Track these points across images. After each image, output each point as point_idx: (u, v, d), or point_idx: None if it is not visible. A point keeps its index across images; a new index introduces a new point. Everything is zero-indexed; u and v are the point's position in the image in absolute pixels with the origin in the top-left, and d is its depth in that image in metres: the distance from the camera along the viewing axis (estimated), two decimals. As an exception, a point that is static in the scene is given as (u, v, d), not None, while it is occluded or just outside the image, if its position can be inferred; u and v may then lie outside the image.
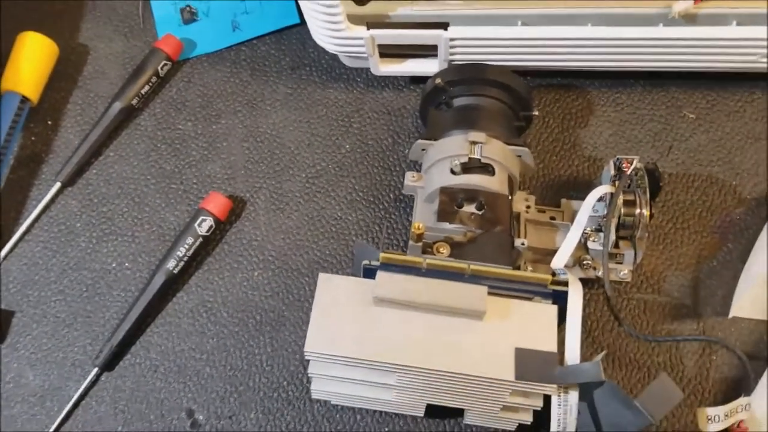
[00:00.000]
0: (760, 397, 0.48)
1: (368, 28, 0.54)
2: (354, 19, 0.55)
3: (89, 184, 0.60)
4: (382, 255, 0.44)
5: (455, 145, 0.50)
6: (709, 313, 0.53)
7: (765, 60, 0.55)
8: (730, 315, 0.51)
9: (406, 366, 0.42)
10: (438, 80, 0.53)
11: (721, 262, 0.54)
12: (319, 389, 0.47)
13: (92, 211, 0.59)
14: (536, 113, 0.55)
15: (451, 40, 0.54)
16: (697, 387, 0.50)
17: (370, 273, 0.45)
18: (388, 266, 0.44)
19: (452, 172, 0.49)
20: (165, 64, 0.62)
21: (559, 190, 0.57)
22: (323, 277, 0.44)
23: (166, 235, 0.57)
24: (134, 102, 0.61)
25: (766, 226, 0.53)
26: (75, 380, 0.53)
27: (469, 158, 0.49)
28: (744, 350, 0.51)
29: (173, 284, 0.55)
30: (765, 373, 0.49)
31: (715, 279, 0.54)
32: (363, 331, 0.42)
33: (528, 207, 0.52)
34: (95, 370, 0.53)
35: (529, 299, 0.45)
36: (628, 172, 0.50)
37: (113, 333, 0.53)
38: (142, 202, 0.59)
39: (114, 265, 0.57)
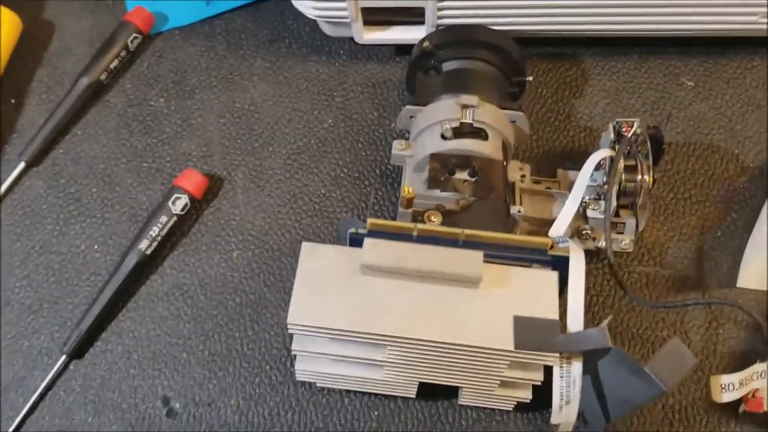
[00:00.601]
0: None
1: (350, -9, 0.52)
2: (336, -18, 0.52)
3: (56, 164, 0.56)
4: (369, 221, 0.41)
5: (446, 110, 0.47)
6: (715, 285, 0.50)
7: (765, 21, 0.53)
8: (737, 285, 0.48)
9: (396, 337, 0.38)
10: (426, 43, 0.50)
11: (725, 233, 0.51)
12: (303, 369, 0.43)
13: (59, 191, 0.55)
14: (530, 78, 0.52)
15: (440, 2, 0.51)
16: (704, 362, 0.48)
17: (357, 242, 0.41)
18: (377, 234, 0.41)
19: (443, 137, 0.46)
20: (135, 38, 0.59)
21: (554, 162, 0.55)
22: (307, 246, 0.41)
23: (137, 216, 0.54)
24: (103, 77, 0.58)
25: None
26: (42, 369, 0.49)
27: (461, 122, 0.46)
28: (750, 323, 0.48)
29: (146, 266, 0.52)
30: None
31: (720, 250, 0.51)
32: (350, 302, 0.39)
33: (523, 176, 0.50)
34: (63, 357, 0.49)
35: (529, 266, 0.42)
36: (629, 136, 0.47)
37: (82, 318, 0.50)
38: (112, 181, 0.55)
39: (83, 247, 0.53)
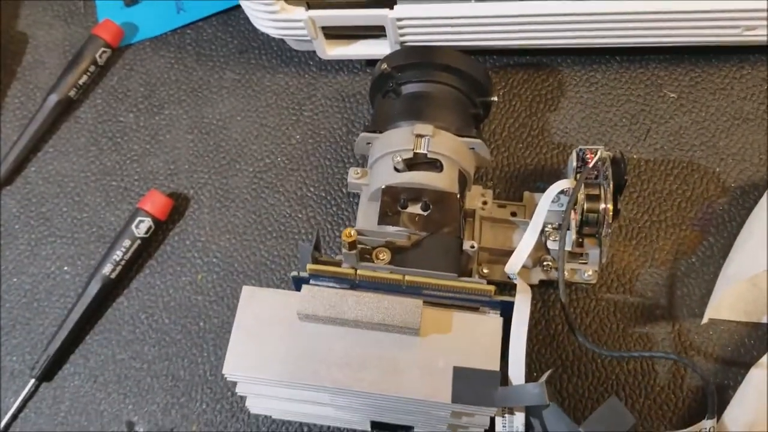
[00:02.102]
0: (738, 405, 0.44)
1: (307, 9, 0.50)
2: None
3: (28, 183, 0.56)
4: (309, 266, 0.40)
5: (400, 139, 0.45)
6: (686, 315, 0.48)
7: (752, 32, 0.49)
8: (704, 318, 0.46)
9: (334, 388, 0.38)
10: (384, 66, 0.48)
11: (701, 258, 0.49)
12: (255, 405, 0.43)
13: (31, 211, 0.56)
14: (495, 99, 0.50)
15: (398, 20, 0.49)
16: (669, 396, 0.46)
17: (299, 284, 0.41)
18: (319, 277, 0.41)
19: (395, 169, 0.45)
20: (104, 52, 0.58)
21: (525, 180, 0.53)
22: (246, 291, 0.40)
23: (106, 236, 0.54)
24: (72, 94, 0.57)
25: (747, 221, 0.48)
26: (14, 391, 0.51)
27: (415, 153, 0.45)
28: (723, 356, 0.47)
29: (112, 290, 0.52)
30: (747, 378, 0.45)
31: (694, 277, 0.49)
32: (288, 351, 0.39)
33: (485, 203, 0.48)
34: (32, 381, 0.50)
35: (476, 309, 0.41)
36: (591, 164, 0.45)
37: (50, 342, 0.51)
38: (81, 201, 0.55)
39: (53, 269, 0.54)
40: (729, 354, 0.47)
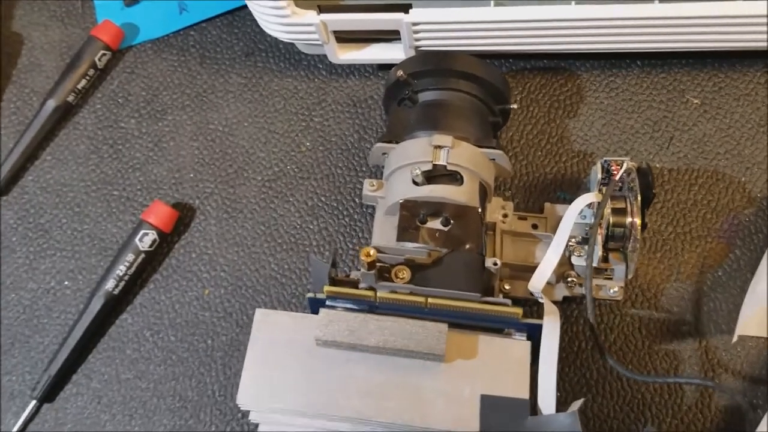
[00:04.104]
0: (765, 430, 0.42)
1: (319, 13, 0.47)
2: (303, 3, 0.48)
3: (25, 193, 0.54)
4: (326, 288, 0.38)
5: (418, 150, 0.43)
6: (713, 331, 0.46)
7: (780, 37, 0.48)
8: (735, 336, 0.44)
9: (355, 419, 0.36)
10: (399, 72, 0.46)
11: (728, 272, 0.48)
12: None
13: (29, 222, 0.53)
14: (515, 106, 0.48)
15: (414, 24, 0.47)
16: (696, 417, 0.45)
17: (316, 306, 0.39)
18: (337, 299, 0.39)
19: (414, 182, 0.43)
20: (104, 55, 0.56)
21: (544, 190, 0.51)
22: (260, 314, 0.38)
23: (108, 248, 0.52)
24: (70, 99, 0.55)
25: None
26: (14, 413, 0.49)
27: (434, 165, 0.43)
28: (751, 374, 0.45)
29: (115, 306, 0.50)
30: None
31: (720, 291, 0.47)
32: (305, 379, 0.37)
33: (505, 216, 0.46)
34: (33, 402, 0.48)
35: (501, 331, 0.39)
36: (617, 177, 0.43)
37: (51, 362, 0.49)
38: (82, 212, 0.53)
39: (53, 283, 0.52)
40: (758, 372, 0.45)
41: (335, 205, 0.52)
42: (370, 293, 0.38)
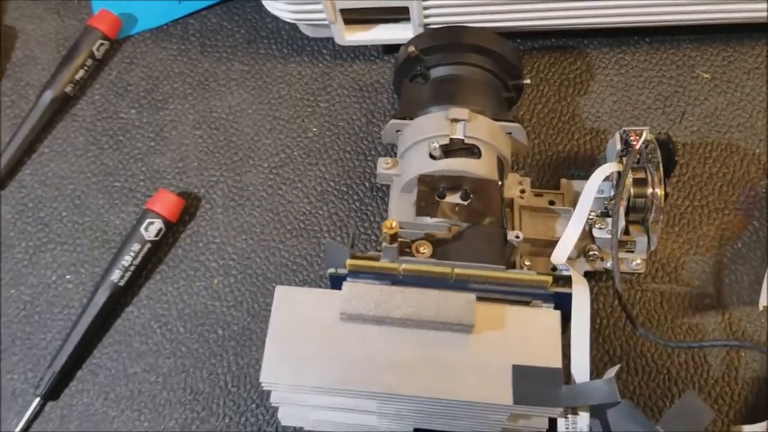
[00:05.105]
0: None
1: (327, -9, 0.47)
2: (311, -19, 0.47)
3: (23, 187, 0.52)
4: (349, 262, 0.37)
5: (434, 125, 0.43)
6: (736, 303, 0.46)
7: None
8: (760, 306, 0.44)
9: (383, 394, 0.35)
10: (411, 48, 0.45)
11: (747, 243, 0.47)
12: (288, 415, 0.40)
13: (27, 217, 0.52)
14: (528, 82, 0.47)
15: (424, 0, 0.46)
16: (724, 388, 0.44)
17: (337, 282, 0.38)
18: (358, 274, 0.37)
19: (431, 156, 0.42)
20: (102, 44, 0.54)
21: (558, 169, 0.50)
22: (281, 291, 0.37)
23: (111, 241, 0.50)
24: (68, 90, 0.54)
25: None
26: (17, 412, 0.47)
27: (451, 139, 0.42)
28: (776, 355, 0.45)
29: (121, 298, 0.48)
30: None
31: (741, 263, 0.47)
32: (330, 354, 0.35)
33: (522, 191, 0.45)
34: (37, 400, 0.46)
35: (528, 303, 0.38)
36: (638, 147, 0.43)
37: (55, 358, 0.47)
38: (82, 204, 0.52)
39: (54, 278, 0.50)
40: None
41: (345, 189, 0.51)
42: (395, 266, 0.37)
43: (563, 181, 0.47)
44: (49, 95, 0.53)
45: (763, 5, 0.48)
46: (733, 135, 0.50)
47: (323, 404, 0.38)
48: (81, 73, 0.54)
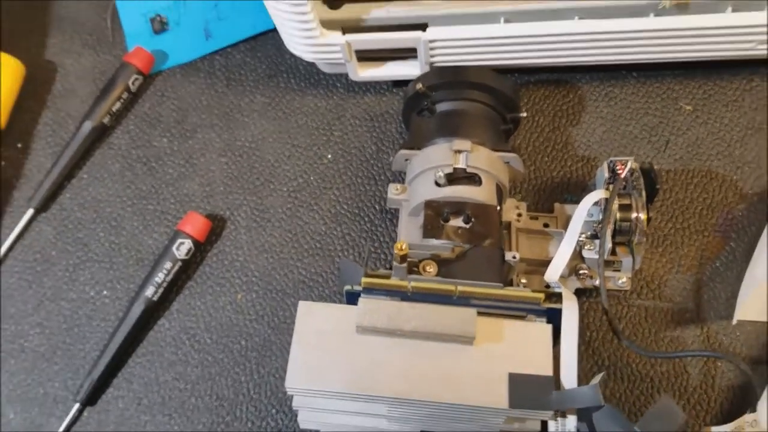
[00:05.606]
0: (762, 406, 0.46)
1: (343, 33, 0.52)
2: (328, 24, 0.52)
3: (63, 209, 0.57)
4: (363, 280, 0.41)
5: (439, 155, 0.47)
6: (713, 318, 0.50)
7: (764, 46, 0.52)
8: (734, 320, 0.48)
9: (394, 398, 0.39)
10: (419, 85, 0.50)
11: (724, 263, 0.52)
12: (307, 419, 0.44)
13: (67, 237, 0.56)
14: (524, 114, 0.52)
15: (431, 42, 0.51)
16: (702, 396, 0.48)
17: (353, 298, 0.42)
18: (371, 291, 0.42)
19: (437, 183, 0.46)
20: (136, 79, 0.59)
21: (552, 193, 0.55)
22: (303, 306, 0.42)
23: (144, 259, 0.55)
24: (106, 120, 0.59)
25: (766, 227, 0.50)
26: (57, 417, 0.51)
27: (454, 168, 0.47)
28: (750, 355, 0.49)
29: (153, 312, 0.53)
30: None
31: (719, 281, 0.51)
32: (347, 363, 0.40)
33: (519, 215, 0.50)
34: (77, 405, 0.51)
35: (523, 317, 0.43)
36: (623, 175, 0.47)
37: (93, 366, 0.51)
38: (118, 225, 0.56)
39: (92, 293, 0.55)
40: (756, 353, 0.49)
41: (357, 212, 0.56)
42: (404, 283, 0.41)
43: (557, 205, 0.52)
44: (88, 125, 0.58)
45: (741, 44, 0.52)
46: (713, 163, 0.55)
47: (340, 408, 0.42)
48: (117, 105, 0.59)
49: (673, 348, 0.49)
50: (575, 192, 0.54)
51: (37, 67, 0.62)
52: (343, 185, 0.57)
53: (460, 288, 0.41)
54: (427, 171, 0.47)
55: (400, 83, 0.59)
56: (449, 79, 0.50)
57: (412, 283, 0.41)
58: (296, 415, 0.48)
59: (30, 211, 0.57)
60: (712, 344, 0.49)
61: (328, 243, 0.55)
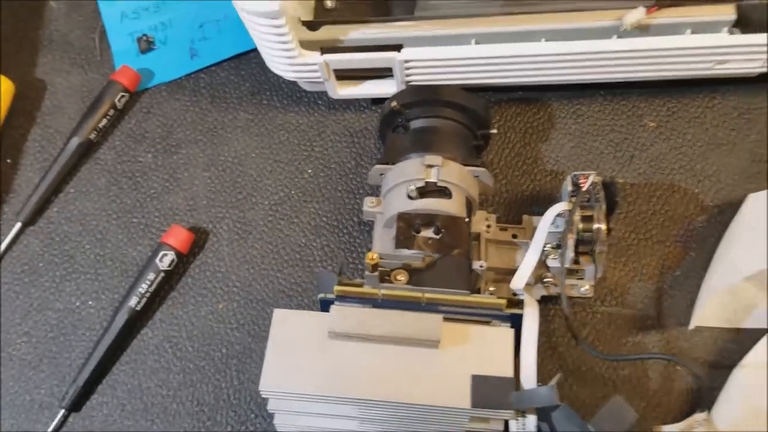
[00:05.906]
0: (724, 404, 0.48)
1: (322, 53, 0.54)
2: (307, 45, 0.54)
3: (51, 222, 0.59)
4: (336, 288, 0.44)
5: (412, 169, 0.50)
6: (673, 324, 0.52)
7: (722, 66, 0.55)
8: (691, 326, 0.50)
9: (363, 399, 0.41)
10: (394, 103, 0.53)
11: (685, 272, 0.54)
12: (282, 423, 0.46)
13: (54, 249, 0.58)
14: (494, 131, 0.55)
15: (406, 62, 0.54)
16: (662, 398, 0.50)
17: (326, 305, 0.44)
18: (344, 298, 0.44)
19: (409, 197, 0.49)
20: (122, 96, 0.62)
21: (522, 205, 0.57)
22: (278, 314, 0.44)
23: (128, 271, 0.57)
24: (92, 136, 0.61)
25: (723, 238, 0.53)
26: (43, 423, 0.53)
27: (426, 182, 0.49)
28: (707, 359, 0.51)
29: (137, 321, 0.55)
30: (730, 378, 0.49)
31: (679, 289, 0.53)
32: (319, 366, 0.42)
33: (488, 226, 0.52)
34: (62, 411, 0.53)
35: (488, 323, 0.45)
36: (585, 188, 0.50)
37: (78, 374, 0.53)
38: (104, 238, 0.58)
39: (78, 303, 0.56)
40: (713, 358, 0.51)
41: (336, 224, 0.58)
42: (374, 291, 0.43)
43: (525, 217, 0.54)
44: (75, 141, 0.60)
45: (701, 64, 0.55)
46: (675, 177, 0.57)
47: (313, 411, 0.44)
48: (104, 121, 0.61)
49: (635, 353, 0.51)
50: (544, 204, 0.56)
51: (27, 85, 0.64)
52: (322, 199, 0.59)
53: (427, 295, 0.44)
54: (401, 185, 0.50)
55: (378, 101, 0.61)
56: (422, 97, 0.53)
57: (383, 291, 0.44)
58: (273, 419, 0.51)
59: (18, 225, 0.59)
60: (672, 348, 0.52)
61: (307, 254, 0.57)
